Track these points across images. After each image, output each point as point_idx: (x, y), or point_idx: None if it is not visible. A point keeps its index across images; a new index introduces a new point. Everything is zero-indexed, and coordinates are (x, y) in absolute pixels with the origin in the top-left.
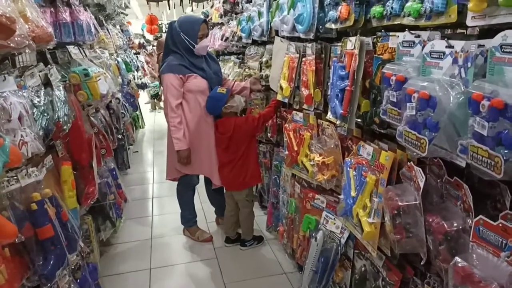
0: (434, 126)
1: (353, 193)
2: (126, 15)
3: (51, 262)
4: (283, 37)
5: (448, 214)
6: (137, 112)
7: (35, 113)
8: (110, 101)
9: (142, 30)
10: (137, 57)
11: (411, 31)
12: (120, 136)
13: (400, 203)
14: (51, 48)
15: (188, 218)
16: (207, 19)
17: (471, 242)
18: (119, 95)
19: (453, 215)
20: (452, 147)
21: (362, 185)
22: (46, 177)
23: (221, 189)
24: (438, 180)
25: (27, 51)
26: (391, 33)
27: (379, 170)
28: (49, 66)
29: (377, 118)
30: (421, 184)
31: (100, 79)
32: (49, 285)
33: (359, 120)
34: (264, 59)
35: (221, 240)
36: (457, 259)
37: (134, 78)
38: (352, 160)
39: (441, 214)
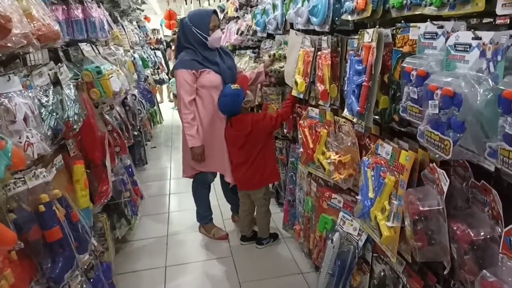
0: (459, 126)
1: (371, 195)
2: (142, 10)
3: (60, 265)
4: (298, 30)
5: (474, 221)
6: (155, 108)
7: (43, 113)
8: (126, 98)
9: (161, 25)
10: (155, 53)
11: (434, 22)
12: (136, 133)
13: (421, 208)
14: (65, 46)
15: (204, 215)
16: (221, 12)
17: (500, 254)
18: (135, 92)
19: (480, 223)
20: (479, 149)
21: (380, 187)
22: (57, 176)
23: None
24: (464, 183)
25: (31, 50)
26: (411, 24)
27: (399, 171)
28: (59, 64)
29: (397, 115)
30: (445, 188)
31: (112, 76)
32: None
33: (377, 117)
34: (272, 52)
35: (237, 238)
36: (486, 273)
37: (152, 74)
38: (369, 160)
39: (467, 221)
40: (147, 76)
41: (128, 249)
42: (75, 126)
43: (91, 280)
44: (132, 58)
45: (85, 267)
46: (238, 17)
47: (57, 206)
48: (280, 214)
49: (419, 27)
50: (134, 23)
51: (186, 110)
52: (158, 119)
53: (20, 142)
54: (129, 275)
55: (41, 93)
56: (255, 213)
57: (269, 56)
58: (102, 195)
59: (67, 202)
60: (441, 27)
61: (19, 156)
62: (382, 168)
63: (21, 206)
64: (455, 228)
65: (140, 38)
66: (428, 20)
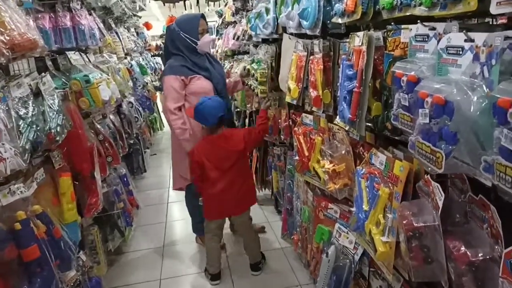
0: (451, 137)
1: (365, 207)
2: (140, 17)
3: (36, 286)
4: (291, 34)
5: (473, 240)
6: (155, 115)
7: (21, 125)
8: (121, 106)
9: (163, 31)
10: (154, 59)
11: (425, 23)
12: (132, 141)
13: (415, 224)
14: (54, 54)
15: (199, 226)
16: (219, 17)
17: (500, 278)
18: (131, 99)
19: (478, 241)
20: (475, 162)
21: (374, 199)
22: (42, 190)
23: None
24: (462, 196)
25: (1, 59)
26: (402, 26)
27: (393, 182)
28: (42, 74)
29: (389, 123)
30: (440, 204)
31: (101, 85)
32: None
33: (370, 124)
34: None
35: (234, 248)
36: None
37: (152, 81)
38: (363, 169)
39: (464, 239)
40: (146, 83)
41: (123, 261)
42: (57, 138)
43: None
44: (129, 65)
45: (72, 284)
46: (235, 22)
47: (36, 223)
48: (279, 222)
49: (411, 29)
50: (132, 29)
51: (173, 116)
52: (158, 125)
53: None
54: None
55: (19, 104)
56: (247, 241)
57: (244, 69)
58: (91, 208)
59: (48, 218)
60: (433, 28)
61: None
62: (376, 179)
63: None
64: (451, 246)
65: (138, 44)
66: (418, 21)
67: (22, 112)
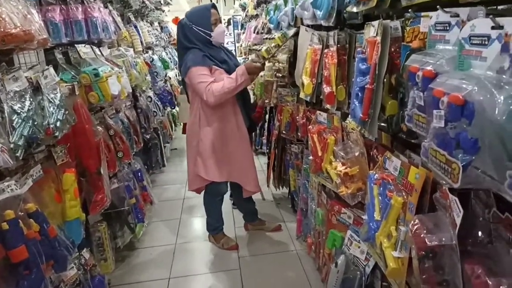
0: (471, 144)
1: (377, 216)
2: (163, 11)
3: None
4: (307, 26)
5: (495, 265)
6: (177, 109)
7: (15, 120)
8: (137, 100)
9: None
10: None
11: (446, 9)
12: (149, 136)
13: (428, 242)
14: (67, 48)
15: (215, 226)
16: (243, 10)
17: None
18: (150, 94)
19: (503, 267)
20: (500, 175)
21: (387, 208)
22: (44, 187)
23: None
24: (486, 211)
25: None
26: (422, 14)
27: (408, 191)
28: (44, 67)
29: (404, 124)
30: (457, 221)
31: (110, 79)
32: None
33: (385, 124)
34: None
35: (247, 248)
36: None
37: (176, 75)
38: (376, 175)
39: (486, 264)
40: (169, 78)
41: (134, 257)
42: (56, 133)
43: None
44: (150, 60)
45: (71, 283)
46: (257, 15)
47: (27, 222)
48: (295, 223)
49: (431, 17)
50: (156, 24)
51: (212, 87)
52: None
53: None
54: (129, 287)
55: (15, 99)
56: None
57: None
58: (97, 205)
59: (42, 216)
60: (456, 15)
61: None
62: (389, 186)
63: None
64: (470, 273)
65: (160, 39)
66: (438, 7)
67: (17, 106)
